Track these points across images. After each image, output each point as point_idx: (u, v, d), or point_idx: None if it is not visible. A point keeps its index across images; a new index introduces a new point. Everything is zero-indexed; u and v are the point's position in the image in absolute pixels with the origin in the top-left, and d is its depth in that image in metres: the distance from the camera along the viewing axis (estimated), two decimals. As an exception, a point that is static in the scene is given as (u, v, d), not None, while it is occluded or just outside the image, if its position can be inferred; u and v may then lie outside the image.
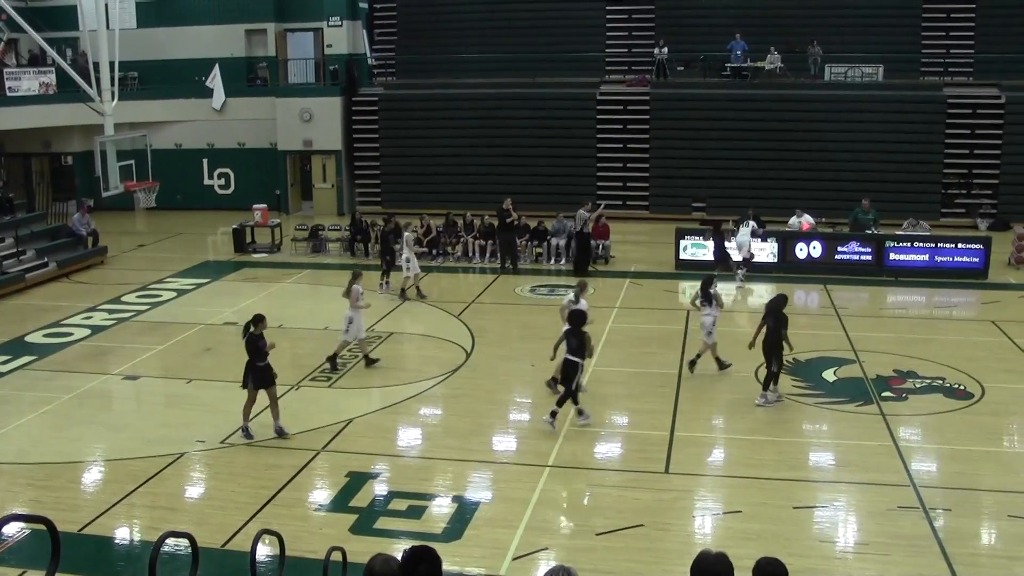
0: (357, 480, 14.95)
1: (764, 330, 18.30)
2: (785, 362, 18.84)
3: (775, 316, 18.23)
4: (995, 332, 23.30)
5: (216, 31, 41.05)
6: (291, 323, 23.96)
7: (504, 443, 16.90)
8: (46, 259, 29.79)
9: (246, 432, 16.70)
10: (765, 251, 29.36)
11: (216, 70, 40.17)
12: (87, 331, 23.85)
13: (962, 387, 19.27)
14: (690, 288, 27.21)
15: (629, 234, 33.25)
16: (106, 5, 30.95)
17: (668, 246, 30.12)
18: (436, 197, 37.04)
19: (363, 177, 40.64)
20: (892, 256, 28.99)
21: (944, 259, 28.91)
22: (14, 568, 12.18)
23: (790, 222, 30.26)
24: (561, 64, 39.90)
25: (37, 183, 42.18)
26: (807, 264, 28.93)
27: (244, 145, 41.18)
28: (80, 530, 13.35)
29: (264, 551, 11.68)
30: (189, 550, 7.81)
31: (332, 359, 20.49)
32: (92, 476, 15.74)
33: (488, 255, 31.04)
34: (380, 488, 14.82)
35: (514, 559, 12.43)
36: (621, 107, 39.06)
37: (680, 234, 30.12)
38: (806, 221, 30.22)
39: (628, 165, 38.85)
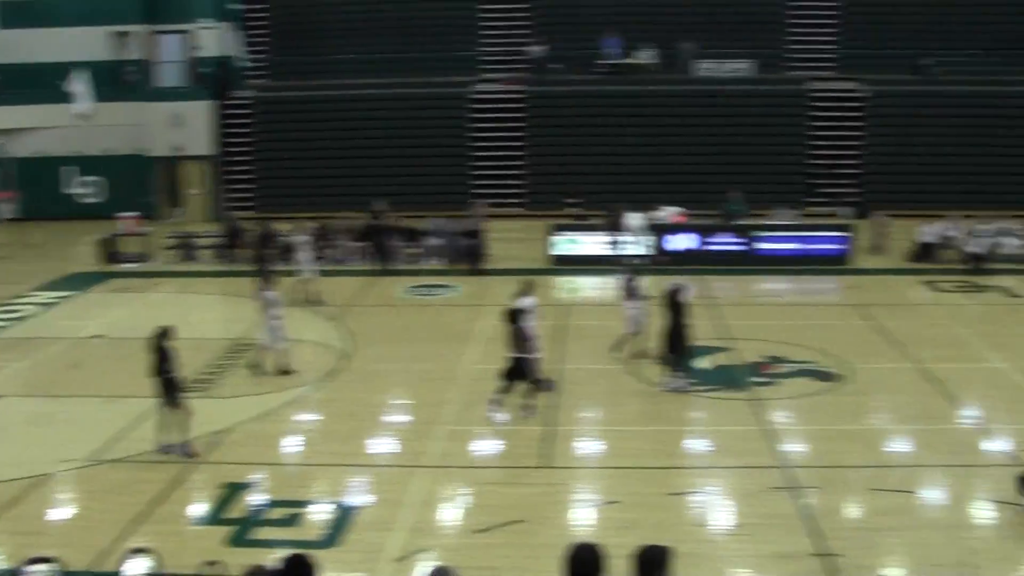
0: (233, 491, 14.67)
1: (663, 320, 18.78)
2: (639, 361, 19.17)
3: (673, 305, 18.70)
4: (858, 316, 24.06)
5: (81, 33, 39.52)
6: (164, 333, 23.51)
7: (382, 446, 16.84)
8: None
9: (182, 448, 16.00)
10: (639, 244, 29.74)
11: (78, 74, 38.78)
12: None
13: (828, 370, 19.85)
14: (567, 284, 27.61)
15: (504, 231, 33.36)
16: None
17: (542, 242, 30.34)
18: (311, 201, 36.63)
19: (236, 182, 39.96)
20: (761, 245, 29.68)
21: (810, 247, 29.73)
22: None
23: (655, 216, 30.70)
24: (436, 64, 39.84)
25: None
26: (680, 255, 29.42)
27: (112, 151, 40.02)
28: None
29: (139, 569, 11.45)
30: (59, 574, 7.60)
31: (283, 371, 20.06)
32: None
33: (365, 257, 30.88)
34: (257, 497, 14.57)
35: (394, 562, 12.42)
36: (496, 106, 39.20)
37: (554, 230, 30.36)
38: (679, 214, 30.79)
39: (503, 163, 39.02)
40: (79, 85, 38.77)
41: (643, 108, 38.36)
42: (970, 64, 38.61)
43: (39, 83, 39.32)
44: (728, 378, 19.47)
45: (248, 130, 39.56)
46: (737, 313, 24.20)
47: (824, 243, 29.93)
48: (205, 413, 17.87)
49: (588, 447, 16.70)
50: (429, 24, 40.85)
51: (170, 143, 39.03)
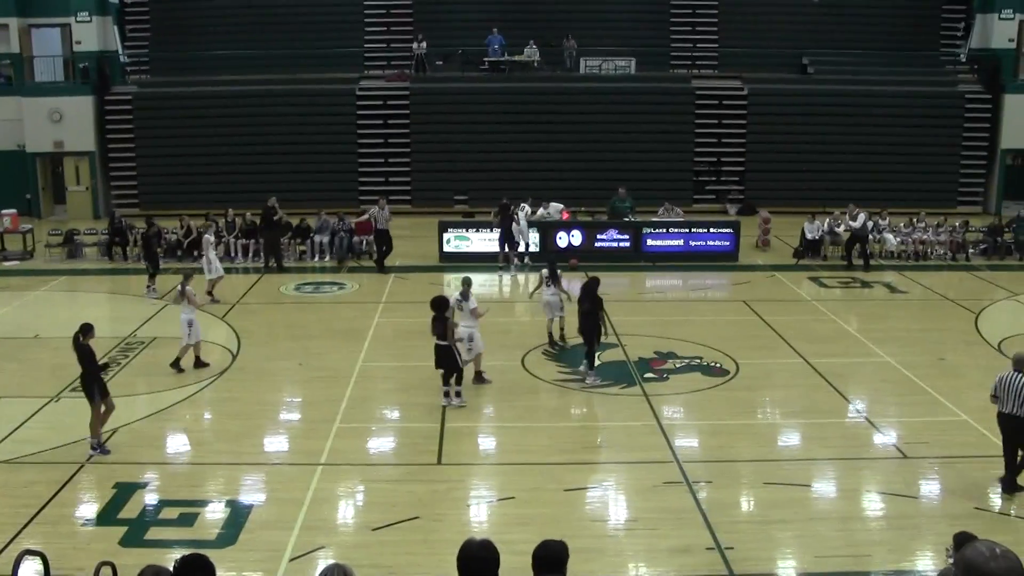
0: (125, 491, 14.28)
1: (580, 312, 19.07)
2: (555, 347, 19.23)
3: (591, 299, 18.94)
4: (746, 311, 24.42)
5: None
6: (48, 332, 22.81)
7: (275, 444, 16.59)
8: None
9: (100, 447, 15.72)
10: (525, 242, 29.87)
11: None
12: None
13: (718, 365, 20.12)
14: (455, 280, 27.50)
15: (392, 228, 33.14)
16: None
17: (431, 239, 30.23)
18: (196, 197, 35.78)
19: (119, 178, 38.93)
20: (649, 242, 29.97)
21: (698, 243, 30.14)
22: None
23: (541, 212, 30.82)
24: (320, 60, 39.35)
25: None
26: (567, 252, 29.53)
27: (-13, 148, 38.76)
28: None
29: (29, 573, 11.09)
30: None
31: (176, 363, 19.77)
32: None
33: (251, 255, 30.41)
34: (150, 497, 14.22)
35: (291, 560, 12.18)
36: (381, 102, 38.93)
37: (443, 227, 30.27)
38: (564, 210, 30.96)
39: (389, 160, 38.81)
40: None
41: (528, 105, 38.44)
42: (848, 64, 39.55)
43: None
44: (620, 374, 19.58)
45: (130, 126, 38.57)
46: (626, 309, 24.37)
47: (711, 239, 30.32)
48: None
49: (483, 443, 16.70)
50: (313, 20, 40.31)
51: (50, 139, 37.87)
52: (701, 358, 20.57)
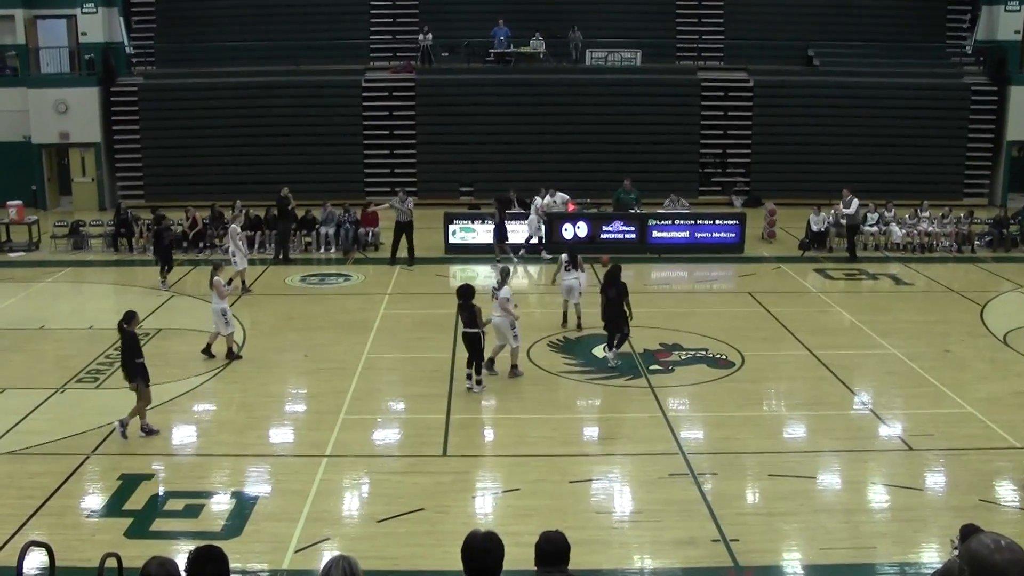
0: (130, 482, 14.30)
1: (604, 299, 19.43)
2: (561, 339, 19.28)
3: (615, 286, 19.24)
4: (752, 303, 24.41)
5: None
6: (53, 324, 22.90)
7: (281, 436, 16.61)
8: None
9: (150, 429, 16.07)
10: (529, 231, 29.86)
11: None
12: None
13: (724, 357, 20.11)
14: (460, 272, 27.56)
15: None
16: None
17: (437, 231, 30.21)
18: (201, 189, 35.79)
19: (124, 170, 38.99)
20: (655, 234, 29.94)
21: (703, 235, 30.12)
22: None
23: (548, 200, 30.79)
24: (326, 51, 39.32)
25: None
26: (573, 244, 29.48)
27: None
28: None
29: (34, 564, 11.12)
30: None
31: (230, 353, 19.97)
32: None
33: (256, 246, 30.40)
34: (155, 489, 14.24)
35: (296, 552, 12.21)
36: (386, 94, 38.92)
37: (449, 219, 30.26)
38: (570, 202, 30.92)
39: (395, 151, 38.79)
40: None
41: (533, 97, 38.42)
42: (854, 56, 39.49)
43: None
44: (625, 365, 19.56)
45: (136, 117, 38.58)
46: (631, 301, 24.29)
47: (717, 231, 30.31)
48: (100, 404, 17.51)
49: (488, 435, 16.73)
50: (319, 11, 40.29)
51: (56, 130, 37.91)
52: (707, 350, 20.56)
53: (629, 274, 26.53)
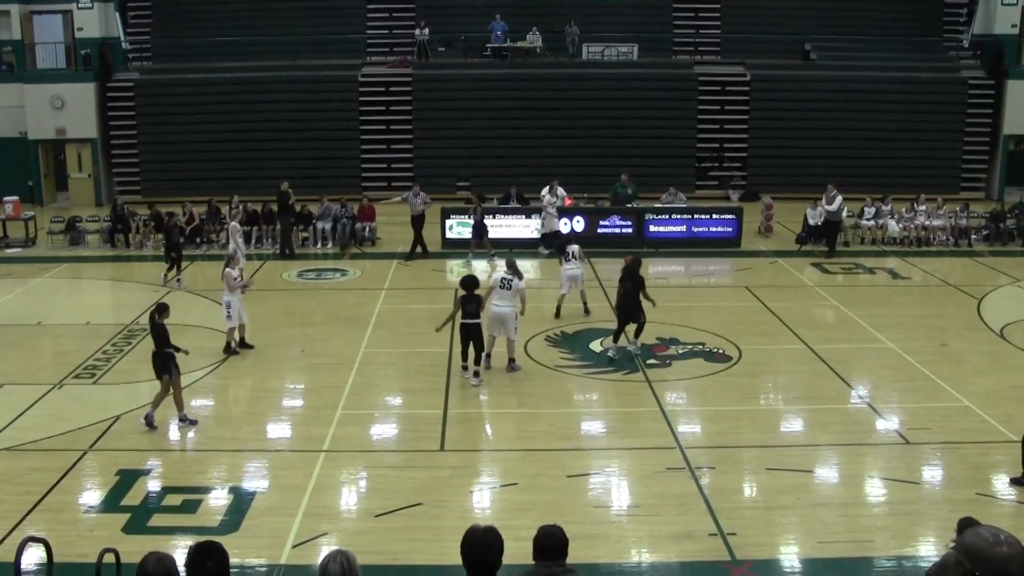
0: (128, 478, 14.28)
1: (621, 291, 19.61)
2: (558, 333, 19.29)
3: (633, 278, 19.43)
4: (749, 297, 24.43)
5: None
6: (51, 319, 22.90)
7: (278, 430, 16.59)
8: None
9: (187, 420, 16.25)
10: (529, 227, 29.86)
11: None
12: None
13: (721, 351, 20.13)
14: (458, 267, 27.54)
15: (395, 215, 33.14)
16: None
17: (433, 226, 30.17)
18: (198, 184, 35.74)
19: (121, 165, 38.95)
20: (652, 228, 29.95)
21: (700, 230, 30.11)
22: None
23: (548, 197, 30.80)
24: (322, 46, 39.29)
25: None
26: (571, 238, 29.42)
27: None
28: None
29: (32, 559, 11.12)
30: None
31: (228, 348, 20.00)
32: None
33: (254, 241, 30.38)
34: (152, 485, 14.23)
35: (294, 547, 12.20)
36: (383, 89, 38.90)
37: (445, 213, 30.24)
38: (567, 196, 30.89)
39: (392, 146, 38.79)
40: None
41: (530, 91, 38.39)
42: (851, 49, 39.48)
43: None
44: (623, 359, 19.58)
45: (132, 113, 38.53)
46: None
47: (714, 225, 30.31)
48: (98, 400, 17.52)
49: (486, 430, 16.73)
50: (315, 6, 40.25)
51: (52, 126, 37.85)
52: (704, 344, 20.58)
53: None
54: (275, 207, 29.79)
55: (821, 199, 29.61)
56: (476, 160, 37.48)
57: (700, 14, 41.29)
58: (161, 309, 16.50)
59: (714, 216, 30.74)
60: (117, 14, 39.65)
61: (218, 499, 13.72)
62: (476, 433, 16.50)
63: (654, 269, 27.75)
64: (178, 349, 16.32)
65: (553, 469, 14.53)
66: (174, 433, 16.32)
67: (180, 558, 6.10)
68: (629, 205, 30.65)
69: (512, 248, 28.82)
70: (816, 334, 21.26)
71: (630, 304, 19.60)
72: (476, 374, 18.23)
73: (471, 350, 18.28)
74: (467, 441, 15.94)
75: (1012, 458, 14.14)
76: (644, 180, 33.04)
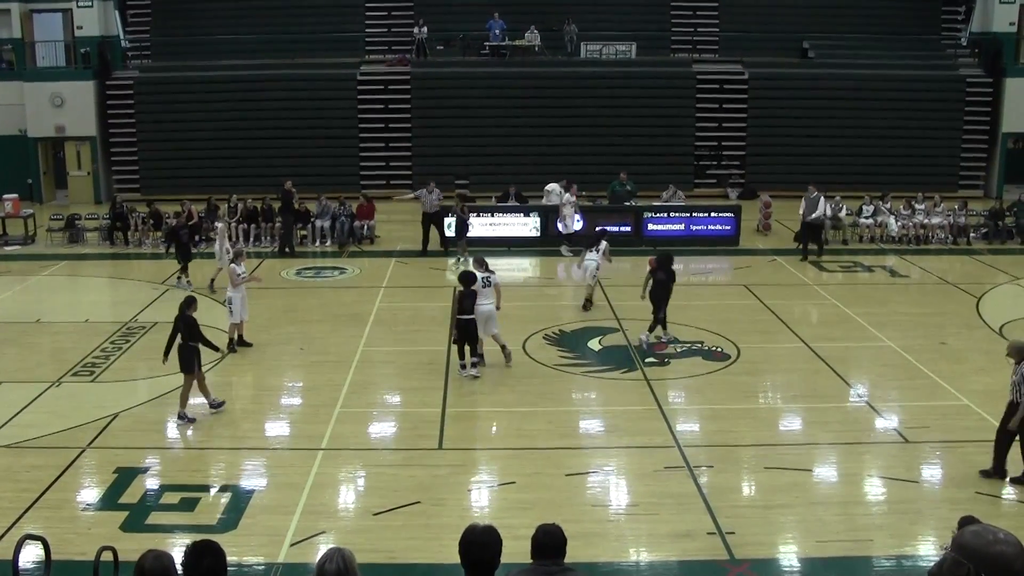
0: (126, 476, 14.28)
1: (652, 282, 19.98)
2: (557, 332, 19.32)
3: (665, 270, 19.90)
4: (747, 296, 24.42)
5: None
6: (49, 317, 22.89)
7: (277, 428, 16.57)
8: None
9: (185, 417, 16.36)
10: (528, 226, 29.85)
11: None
12: None
13: (719, 349, 20.12)
14: (454, 264, 27.52)
15: (393, 214, 33.16)
16: None
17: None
18: (197, 182, 35.73)
19: (120, 163, 38.91)
20: (650, 226, 29.93)
21: (699, 228, 30.09)
22: None
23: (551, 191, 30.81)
24: (321, 44, 39.25)
25: None
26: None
27: (-11, 132, 38.68)
28: None
29: (30, 557, 11.10)
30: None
31: (229, 344, 19.95)
32: None
33: (252, 239, 30.37)
34: (151, 482, 14.22)
35: (292, 545, 12.20)
36: (382, 87, 38.87)
37: (444, 211, 30.16)
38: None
39: (390, 144, 38.77)
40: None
41: (529, 90, 38.36)
42: (849, 48, 39.47)
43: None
44: (621, 358, 19.59)
45: (131, 111, 38.50)
46: (627, 294, 24.30)
47: (712, 223, 30.30)
48: (97, 398, 17.50)
49: (484, 428, 16.73)
50: (314, 4, 40.18)
51: (52, 123, 37.82)
52: (702, 342, 20.57)
53: (625, 266, 26.73)
54: (274, 204, 29.77)
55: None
56: (475, 158, 37.45)
57: (698, 12, 41.25)
58: (189, 302, 16.78)
59: (712, 214, 30.72)
60: (117, 12, 39.61)
61: (216, 497, 13.72)
62: (474, 431, 16.50)
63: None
64: (208, 343, 16.63)
65: (552, 468, 14.53)
66: (172, 431, 16.32)
67: (178, 556, 6.08)
68: (627, 203, 30.62)
69: (511, 247, 29.03)
70: (815, 332, 21.27)
71: (661, 293, 19.99)
72: (473, 365, 18.37)
73: (467, 346, 18.39)
74: (465, 439, 15.94)
75: (1012, 457, 14.13)
76: (642, 178, 33.05)
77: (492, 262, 26.14)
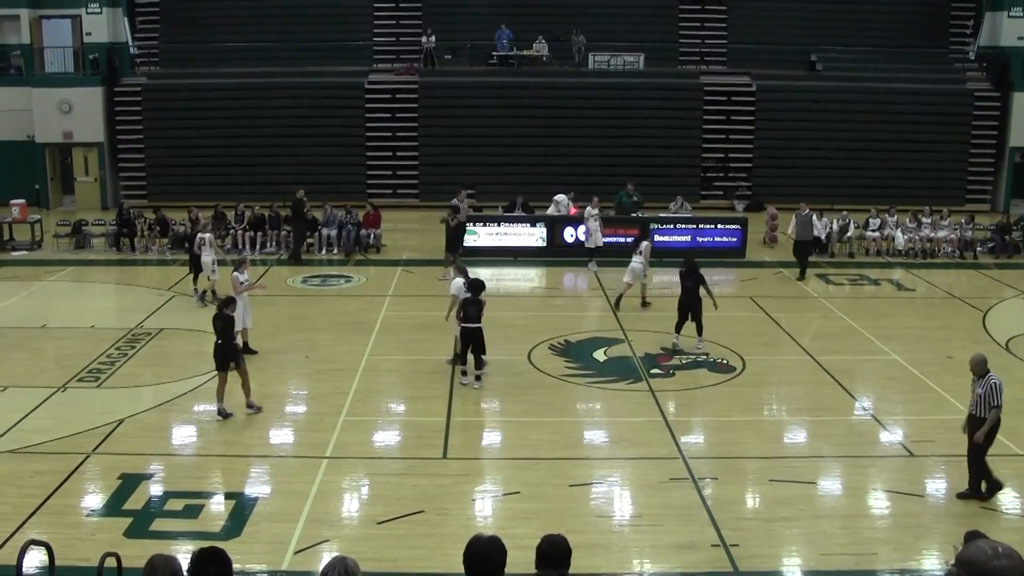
0: (130, 482, 14.29)
1: (681, 291, 20.54)
2: (563, 342, 19.33)
3: (693, 276, 20.41)
4: (753, 307, 24.41)
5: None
6: (55, 322, 22.91)
7: (281, 436, 16.56)
8: None
9: (254, 407, 17.07)
10: (534, 236, 29.87)
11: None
12: None
13: (724, 361, 20.11)
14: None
15: (400, 222, 33.20)
16: None
17: (438, 233, 30.11)
18: (204, 189, 35.77)
19: (127, 170, 38.99)
20: (656, 238, 29.84)
21: (705, 239, 30.09)
22: None
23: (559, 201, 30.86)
24: (329, 53, 39.34)
25: None
26: (575, 248, 29.50)
27: (-2, 137, 38.79)
28: None
29: (34, 562, 11.11)
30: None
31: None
32: None
33: (259, 246, 30.43)
34: (155, 489, 14.23)
35: (295, 553, 12.20)
36: (390, 96, 38.94)
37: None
38: (573, 205, 30.92)
39: (397, 153, 38.82)
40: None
41: (536, 100, 38.41)
42: (857, 60, 39.51)
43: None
44: (626, 369, 19.58)
45: (139, 117, 38.60)
46: (632, 305, 24.33)
47: (719, 235, 30.30)
48: (101, 403, 17.51)
49: (489, 438, 16.69)
50: (322, 13, 40.29)
51: (59, 129, 37.92)
52: (707, 354, 20.55)
53: (631, 278, 26.70)
54: (281, 212, 29.83)
55: (824, 211, 29.42)
56: (481, 168, 37.44)
57: (706, 24, 41.34)
58: (227, 302, 17.20)
59: (719, 226, 30.74)
60: (125, 19, 39.74)
61: (220, 504, 13.72)
62: (479, 441, 16.47)
63: (659, 279, 27.71)
64: (241, 345, 17.29)
65: (556, 478, 14.51)
66: (176, 438, 16.35)
67: (182, 563, 6.09)
68: (634, 215, 30.63)
69: (517, 257, 29.05)
70: (820, 345, 21.24)
71: (692, 301, 20.43)
72: (477, 378, 18.39)
73: (470, 355, 18.47)
74: (470, 449, 15.94)
75: (1017, 471, 14.13)
76: (649, 189, 33.03)
77: (498, 272, 26.37)
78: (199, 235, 25.14)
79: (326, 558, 10.91)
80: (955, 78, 39.90)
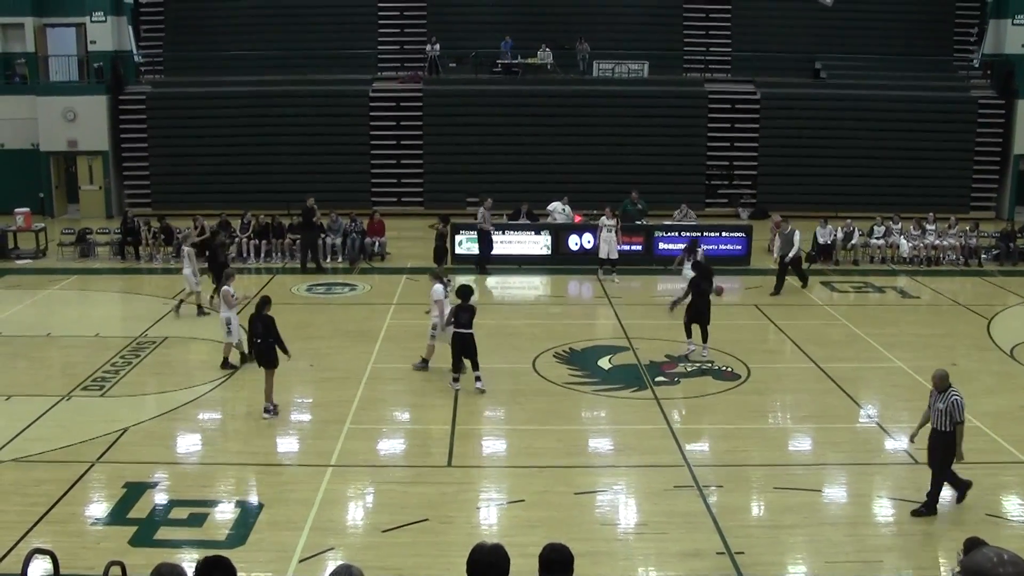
0: (135, 491, 14.27)
1: (691, 295, 20.61)
2: (567, 350, 19.31)
3: (709, 280, 20.73)
4: (758, 315, 24.41)
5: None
6: (59, 331, 22.95)
7: (285, 444, 16.59)
8: None
9: (272, 410, 17.30)
10: (539, 244, 29.88)
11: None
12: None
13: (729, 369, 20.10)
14: (464, 282, 27.50)
15: (404, 230, 33.22)
16: None
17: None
18: (209, 197, 35.84)
19: (132, 178, 39.07)
20: (661, 245, 29.94)
21: (710, 247, 29.96)
22: None
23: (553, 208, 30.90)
24: (333, 61, 39.43)
25: None
26: (579, 255, 29.52)
27: (2, 146, 38.78)
28: None
29: (38, 571, 11.11)
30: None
31: (225, 363, 20.00)
32: None
33: (263, 255, 30.46)
34: (160, 497, 14.20)
35: (300, 561, 12.19)
36: (394, 104, 39.01)
37: (455, 229, 30.25)
38: (577, 213, 30.95)
39: (402, 161, 38.87)
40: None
41: (541, 108, 38.47)
42: (861, 68, 39.53)
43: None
44: (631, 377, 19.57)
45: (144, 126, 38.69)
46: (637, 313, 24.36)
47: (723, 243, 30.31)
48: (106, 412, 17.51)
49: (493, 446, 16.68)
50: (327, 21, 40.41)
51: (64, 138, 38.00)
52: (712, 362, 20.55)
53: (635, 285, 26.75)
54: (284, 221, 29.87)
55: (829, 218, 29.27)
56: (486, 176, 37.43)
57: (710, 32, 41.40)
58: (265, 302, 17.67)
59: (723, 234, 30.78)
60: (130, 28, 39.85)
61: (225, 513, 13.70)
62: (483, 449, 16.45)
63: (663, 286, 27.76)
64: (281, 345, 17.52)
65: (560, 486, 14.51)
66: (181, 446, 16.37)
67: (188, 571, 6.10)
68: (638, 223, 30.64)
69: (521, 264, 29.06)
70: (825, 352, 21.22)
71: (706, 305, 20.52)
72: (477, 379, 18.42)
73: (465, 361, 18.62)
74: (475, 457, 15.93)
75: (1022, 479, 14.08)
76: (654, 197, 33.07)
77: (503, 280, 26.36)
78: (183, 247, 25.15)
79: (331, 566, 10.93)
80: (959, 86, 39.93)
